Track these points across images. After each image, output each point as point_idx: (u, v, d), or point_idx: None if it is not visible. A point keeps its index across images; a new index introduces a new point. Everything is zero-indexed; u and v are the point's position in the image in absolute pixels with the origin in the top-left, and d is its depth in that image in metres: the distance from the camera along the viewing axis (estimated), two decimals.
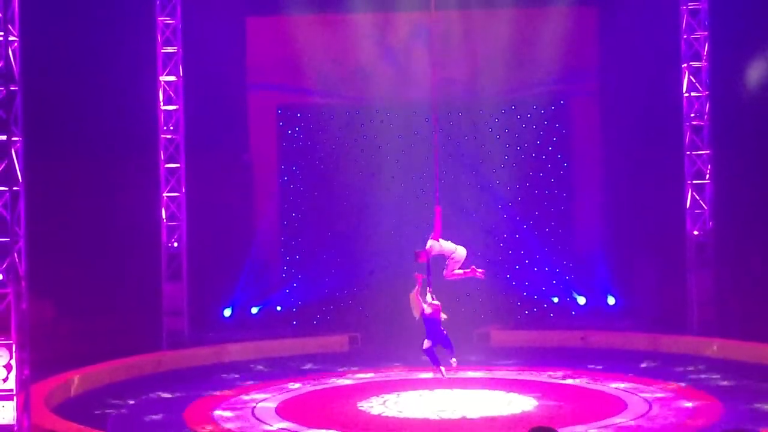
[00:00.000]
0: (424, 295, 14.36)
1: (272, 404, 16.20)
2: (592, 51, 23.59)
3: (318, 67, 23.08)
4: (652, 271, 22.72)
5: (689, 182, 21.25)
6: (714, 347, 19.62)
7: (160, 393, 17.29)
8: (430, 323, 14.29)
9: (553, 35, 22.72)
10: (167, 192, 21.31)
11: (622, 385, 17.04)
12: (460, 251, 14.34)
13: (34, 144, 14.54)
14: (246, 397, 16.82)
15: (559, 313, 23.12)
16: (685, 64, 21.19)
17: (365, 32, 22.94)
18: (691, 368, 18.45)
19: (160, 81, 21.24)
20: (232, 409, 15.89)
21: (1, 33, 13.11)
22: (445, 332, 14.38)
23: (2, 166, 13.06)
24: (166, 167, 21.30)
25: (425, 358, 14.63)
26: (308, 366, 19.86)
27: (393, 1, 22.59)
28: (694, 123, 21.19)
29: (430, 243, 14.25)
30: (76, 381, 17.38)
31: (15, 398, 12.95)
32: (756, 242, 20.95)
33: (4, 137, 13.05)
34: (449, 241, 14.34)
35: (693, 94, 21.17)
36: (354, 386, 17.70)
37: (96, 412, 15.76)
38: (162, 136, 21.28)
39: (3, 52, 13.12)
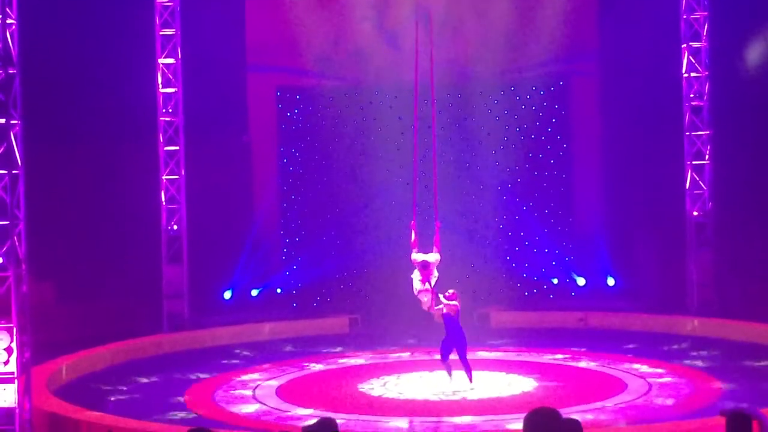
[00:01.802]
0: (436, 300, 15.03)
1: (273, 386, 16.24)
2: (592, 31, 23.52)
3: (317, 49, 23.02)
4: (651, 251, 22.74)
5: (689, 163, 21.25)
6: (713, 328, 19.64)
7: (160, 375, 17.33)
8: (449, 322, 15.01)
9: (553, 15, 22.65)
10: (166, 175, 21.28)
11: (621, 366, 17.08)
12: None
13: (34, 127, 14.52)
14: (246, 379, 16.86)
15: (559, 294, 23.15)
16: (685, 45, 21.14)
17: (364, 13, 22.87)
18: (690, 348, 18.50)
19: (159, 63, 21.19)
20: (232, 391, 15.92)
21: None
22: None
23: (1, 149, 13.03)
24: (165, 150, 21.27)
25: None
26: (308, 348, 19.90)
27: None
28: (693, 103, 21.17)
29: (431, 256, 14.99)
30: (76, 364, 17.40)
31: (16, 381, 12.97)
32: (755, 222, 20.95)
33: (3, 120, 13.03)
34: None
35: (693, 74, 21.14)
36: (354, 368, 17.74)
37: (97, 395, 15.79)
38: (161, 118, 21.24)
39: (1, 35, 13.08)
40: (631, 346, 18.90)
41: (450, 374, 15.38)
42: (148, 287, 21.24)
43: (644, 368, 16.83)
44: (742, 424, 6.31)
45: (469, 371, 15.31)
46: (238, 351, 19.65)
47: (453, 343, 15.13)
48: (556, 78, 23.57)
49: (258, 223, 23.36)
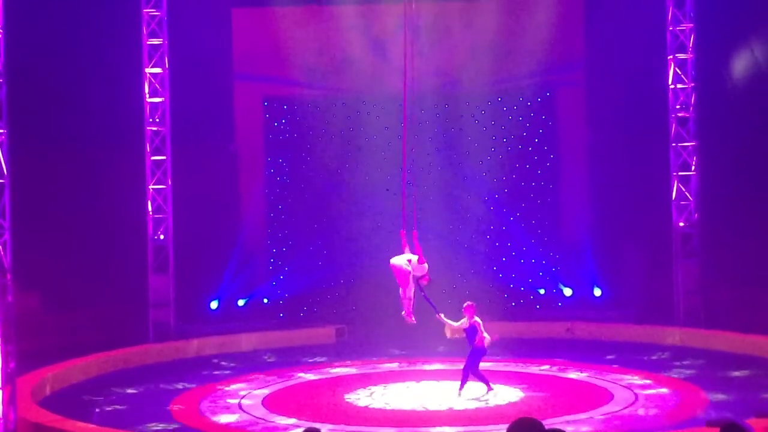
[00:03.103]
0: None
1: (259, 396, 16.20)
2: (579, 42, 23.58)
3: (304, 59, 23.03)
4: (638, 262, 22.79)
5: (675, 174, 21.31)
6: (699, 338, 19.70)
7: (146, 385, 17.28)
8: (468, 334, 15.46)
9: (540, 26, 22.71)
10: (153, 184, 21.25)
11: (608, 376, 17.10)
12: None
13: (20, 136, 14.51)
14: (232, 389, 16.82)
15: (546, 305, 23.15)
16: (671, 56, 21.23)
17: (351, 23, 22.90)
18: (676, 359, 18.54)
19: (146, 73, 21.17)
20: (218, 401, 15.88)
21: None
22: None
23: None
24: (152, 159, 21.24)
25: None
26: (295, 358, 19.87)
27: None
28: (679, 115, 21.25)
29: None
30: (62, 374, 17.34)
31: (1, 391, 12.93)
32: (741, 233, 21.02)
33: None
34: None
35: (679, 85, 21.22)
36: (341, 378, 17.72)
37: (82, 405, 15.73)
38: (148, 128, 21.22)
39: None
40: (617, 356, 18.93)
41: (488, 386, 15.53)
42: (135, 297, 21.20)
43: (631, 378, 16.85)
44: None
45: (462, 384, 15.43)
46: (224, 361, 19.61)
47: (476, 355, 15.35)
48: (543, 89, 23.62)
49: (245, 233, 23.33)
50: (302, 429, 6.47)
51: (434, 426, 13.98)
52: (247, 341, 21.01)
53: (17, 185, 13.78)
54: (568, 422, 13.77)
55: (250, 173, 23.84)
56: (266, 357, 20.04)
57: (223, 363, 19.42)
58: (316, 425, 13.32)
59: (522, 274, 23.42)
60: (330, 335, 21.91)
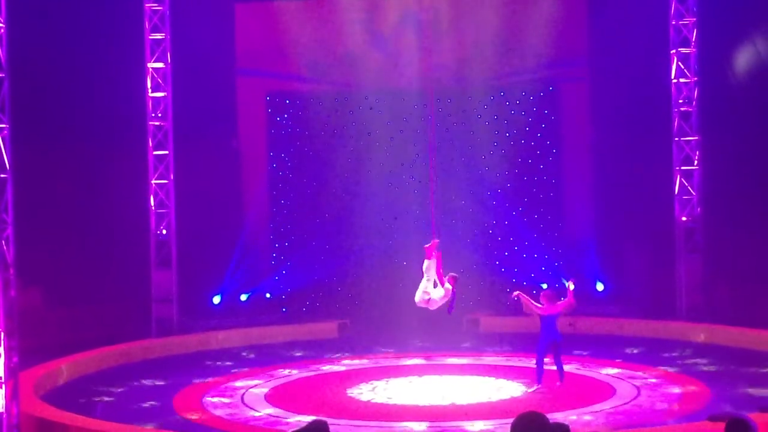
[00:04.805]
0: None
1: (262, 391, 16.22)
2: (582, 37, 23.57)
3: (307, 54, 23.01)
4: (640, 257, 22.77)
5: (678, 168, 21.29)
6: (702, 333, 19.70)
7: (149, 380, 17.30)
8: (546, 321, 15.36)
9: (543, 21, 22.68)
10: (156, 179, 21.25)
11: (610, 371, 17.10)
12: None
13: (22, 131, 14.49)
14: (235, 384, 16.83)
15: None
16: (674, 50, 21.20)
17: (354, 18, 22.88)
18: (679, 353, 18.54)
19: (148, 68, 21.16)
20: (221, 396, 15.90)
21: None
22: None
23: None
24: (154, 154, 21.23)
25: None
26: (297, 353, 19.89)
27: None
28: (682, 109, 21.21)
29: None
30: (65, 368, 17.37)
31: (3, 386, 12.94)
32: (744, 227, 20.99)
33: None
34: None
35: (681, 80, 21.19)
36: (343, 373, 17.72)
37: (85, 400, 15.75)
38: (150, 123, 21.21)
39: None
40: (619, 351, 18.92)
41: (539, 381, 15.41)
42: (137, 292, 21.21)
43: (632, 373, 16.84)
44: (741, 430, 6.31)
45: (560, 372, 15.48)
46: (227, 355, 19.62)
47: (550, 344, 15.28)
48: (546, 83, 23.59)
49: (247, 228, 23.33)
50: (308, 422, 6.46)
51: (437, 420, 13.97)
52: (249, 336, 21.00)
53: (20, 180, 13.78)
54: (570, 416, 13.76)
55: (253, 168, 23.83)
56: (269, 352, 20.02)
57: (225, 358, 19.42)
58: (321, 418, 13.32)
59: (524, 269, 23.40)
60: (333, 330, 21.91)
